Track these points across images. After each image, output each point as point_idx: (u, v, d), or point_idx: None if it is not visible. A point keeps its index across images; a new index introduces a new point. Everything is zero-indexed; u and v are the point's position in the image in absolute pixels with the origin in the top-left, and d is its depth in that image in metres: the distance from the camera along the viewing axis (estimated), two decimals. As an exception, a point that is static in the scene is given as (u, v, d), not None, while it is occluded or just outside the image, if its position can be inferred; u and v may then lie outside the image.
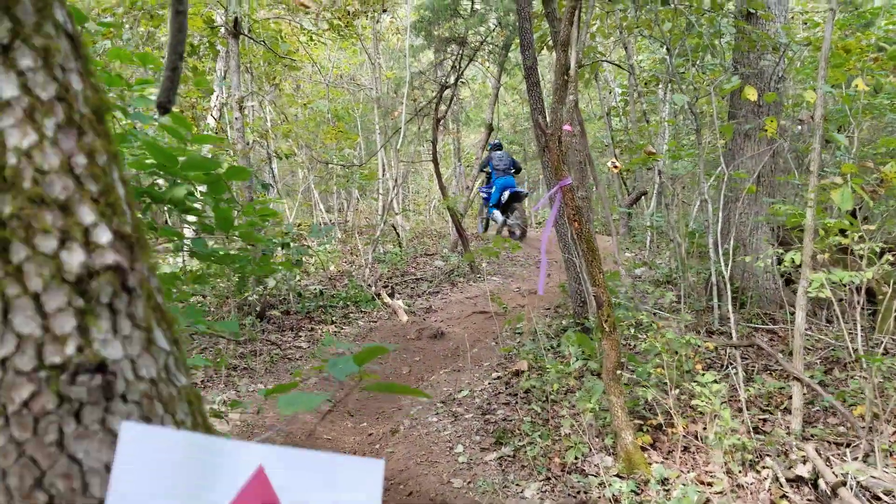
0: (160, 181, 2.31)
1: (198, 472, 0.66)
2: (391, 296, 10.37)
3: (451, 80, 11.80)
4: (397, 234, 14.49)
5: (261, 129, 12.13)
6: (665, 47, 7.49)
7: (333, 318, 9.17)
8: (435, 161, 12.43)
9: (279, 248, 4.57)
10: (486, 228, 15.03)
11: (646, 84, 11.82)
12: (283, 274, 9.28)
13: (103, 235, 0.64)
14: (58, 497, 0.62)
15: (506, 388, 6.13)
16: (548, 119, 5.77)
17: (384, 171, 15.12)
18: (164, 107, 1.26)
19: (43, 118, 0.61)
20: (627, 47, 11.08)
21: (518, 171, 14.09)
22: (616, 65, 11.32)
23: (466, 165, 17.75)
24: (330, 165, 14.25)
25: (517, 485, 4.40)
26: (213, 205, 2.33)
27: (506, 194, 13.37)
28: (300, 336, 8.39)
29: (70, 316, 0.61)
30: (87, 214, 0.63)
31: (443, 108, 12.35)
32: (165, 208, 2.41)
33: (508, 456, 4.81)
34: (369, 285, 10.69)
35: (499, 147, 14.19)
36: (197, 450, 0.66)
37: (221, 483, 0.68)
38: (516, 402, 5.72)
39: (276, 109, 14.29)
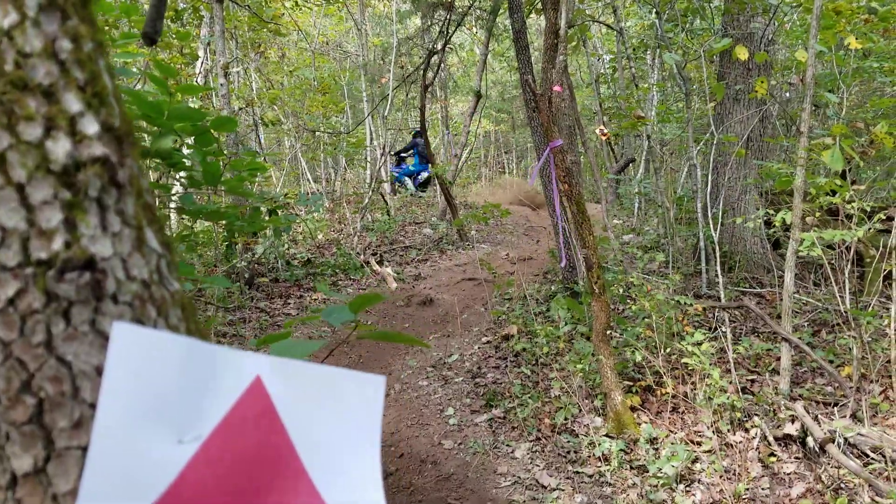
0: (146, 136, 2.27)
1: (193, 378, 0.64)
2: (380, 263, 10.34)
3: (439, 46, 11.66)
4: (385, 202, 14.42)
5: (246, 97, 11.97)
6: (654, 11, 7.43)
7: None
8: (423, 128, 12.34)
9: (266, 215, 4.54)
10: (395, 192, 16.60)
11: (634, 50, 11.75)
12: (270, 241, 9.23)
13: (90, 126, 0.61)
14: (48, 401, 0.60)
15: (496, 352, 6.14)
16: (537, 81, 5.72)
17: (372, 139, 15.00)
18: (150, 37, 1.22)
19: (23, -5, 0.57)
20: (617, 11, 10.98)
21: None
22: (606, 25, 11.23)
23: (455, 133, 17.65)
24: (317, 133, 14.13)
25: (507, 445, 4.42)
26: (201, 158, 2.29)
27: (423, 175, 15.40)
28: (289, 303, 8.37)
29: (56, 209, 0.58)
30: (72, 103, 0.60)
31: (430, 74, 12.22)
32: (153, 164, 2.37)
33: (499, 418, 4.83)
34: (358, 253, 10.66)
35: (420, 134, 15.09)
36: (192, 355, 0.64)
37: (218, 391, 0.66)
38: (506, 366, 5.73)
39: (261, 77, 14.11)
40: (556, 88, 4.50)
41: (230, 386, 0.66)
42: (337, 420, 0.71)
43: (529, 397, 4.91)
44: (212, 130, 2.25)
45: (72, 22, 0.61)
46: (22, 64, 0.57)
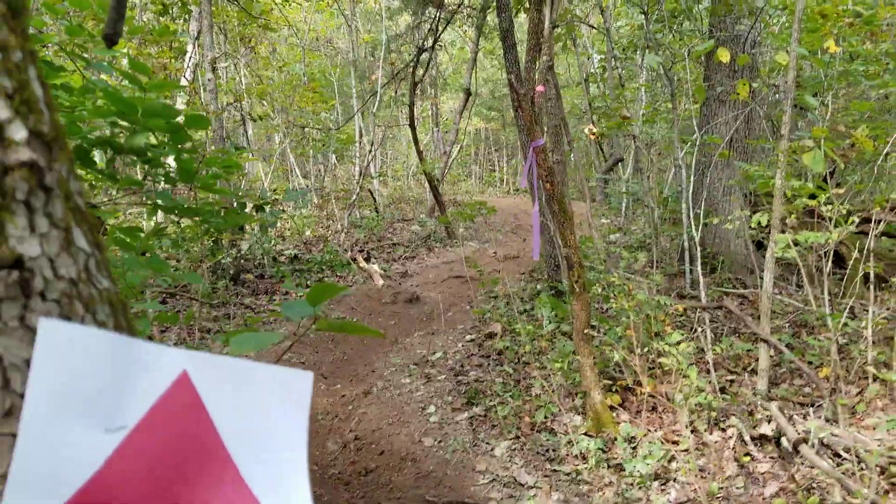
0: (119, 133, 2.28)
1: (119, 371, 0.67)
2: (367, 260, 10.36)
3: (429, 43, 11.68)
4: (374, 199, 14.43)
5: (235, 92, 11.96)
6: (642, 12, 7.46)
7: (308, 282, 9.15)
8: (412, 126, 12.36)
9: (254, 212, 4.54)
10: None
11: (623, 50, 11.79)
12: (257, 237, 9.22)
13: (18, 132, 0.64)
14: None
15: (479, 350, 6.17)
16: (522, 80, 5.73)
17: (361, 135, 15.00)
18: (110, 39, 1.23)
19: (-49, 9, 0.60)
20: (604, 11, 11.01)
21: None
22: (591, 26, 11.28)
23: (445, 131, 17.67)
24: (306, 129, 14.12)
25: (487, 443, 4.45)
26: (175, 155, 2.30)
27: None
28: (274, 299, 8.37)
29: (-15, 211, 0.61)
30: (1, 110, 0.62)
31: (420, 72, 12.23)
32: (129, 160, 2.38)
33: (479, 416, 4.85)
34: (345, 250, 10.67)
35: None
36: (118, 350, 0.67)
37: (143, 384, 0.69)
38: (489, 364, 5.76)
39: (251, 72, 14.09)
40: (539, 89, 4.52)
41: (156, 379, 0.70)
42: (264, 413, 0.74)
43: (510, 395, 4.94)
44: (185, 128, 2.26)
45: (1, 33, 0.63)
46: (-50, 72, 0.59)
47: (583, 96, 14.37)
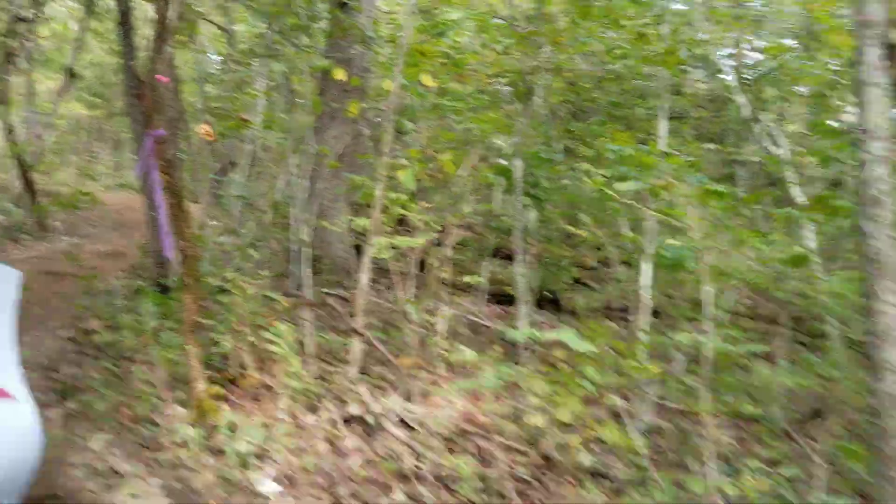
0: None
1: None
2: (-66, 248, 8.98)
3: (29, 14, 10.57)
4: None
5: None
6: (266, 22, 7.75)
7: None
8: (2, 101, 11.01)
9: None
10: None
11: (243, 54, 11.95)
12: None
13: None
14: None
15: (76, 347, 5.85)
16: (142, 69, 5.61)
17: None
18: None
19: None
20: (228, 13, 11.08)
21: None
22: (218, 26, 11.28)
23: (42, 113, 15.92)
24: None
25: (82, 437, 4.29)
26: None
27: None
28: None
29: None
30: None
31: (16, 43, 10.98)
32: None
33: (75, 411, 4.64)
34: None
35: None
36: None
37: None
38: (86, 360, 5.51)
39: None
40: (164, 78, 4.52)
41: None
42: None
43: (110, 390, 4.81)
44: None
45: None
46: None
47: (197, 95, 14.13)
